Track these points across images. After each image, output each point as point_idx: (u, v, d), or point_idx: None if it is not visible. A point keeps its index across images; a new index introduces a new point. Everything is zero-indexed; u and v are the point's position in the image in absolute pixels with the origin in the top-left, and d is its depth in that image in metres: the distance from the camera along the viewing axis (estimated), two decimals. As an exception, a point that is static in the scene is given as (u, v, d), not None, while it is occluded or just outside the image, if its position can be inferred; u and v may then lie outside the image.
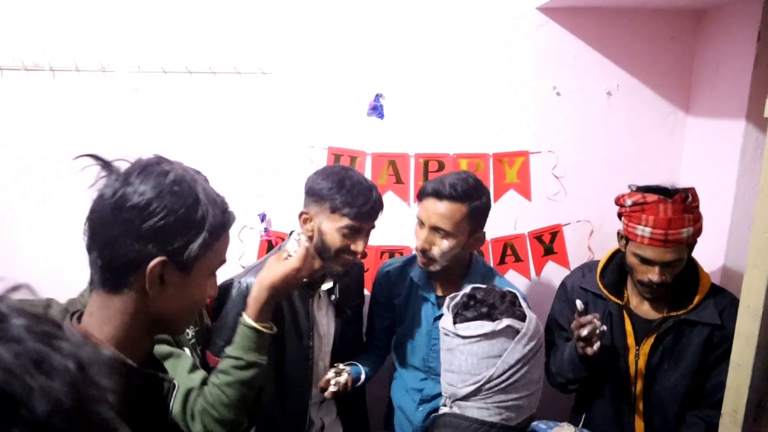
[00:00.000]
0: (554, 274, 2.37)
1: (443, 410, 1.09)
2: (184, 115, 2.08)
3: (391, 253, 2.23)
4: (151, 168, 0.84)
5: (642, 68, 2.24)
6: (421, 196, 1.69)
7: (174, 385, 0.84)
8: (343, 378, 1.63)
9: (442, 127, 2.18)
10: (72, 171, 1.81)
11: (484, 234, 1.74)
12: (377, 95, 2.14)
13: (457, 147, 2.19)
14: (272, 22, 2.05)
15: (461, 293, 1.11)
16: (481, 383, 1.00)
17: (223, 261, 0.94)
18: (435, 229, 1.62)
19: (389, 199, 2.21)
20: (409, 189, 2.20)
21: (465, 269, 1.78)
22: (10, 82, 1.99)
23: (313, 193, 1.57)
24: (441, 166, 2.18)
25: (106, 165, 0.82)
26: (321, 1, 2.06)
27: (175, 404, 1.21)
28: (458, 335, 1.04)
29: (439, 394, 1.77)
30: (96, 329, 0.82)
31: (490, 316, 1.03)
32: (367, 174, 2.18)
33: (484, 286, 1.13)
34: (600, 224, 2.32)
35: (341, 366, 1.67)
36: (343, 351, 1.79)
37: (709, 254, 2.09)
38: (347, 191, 1.51)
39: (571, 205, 2.30)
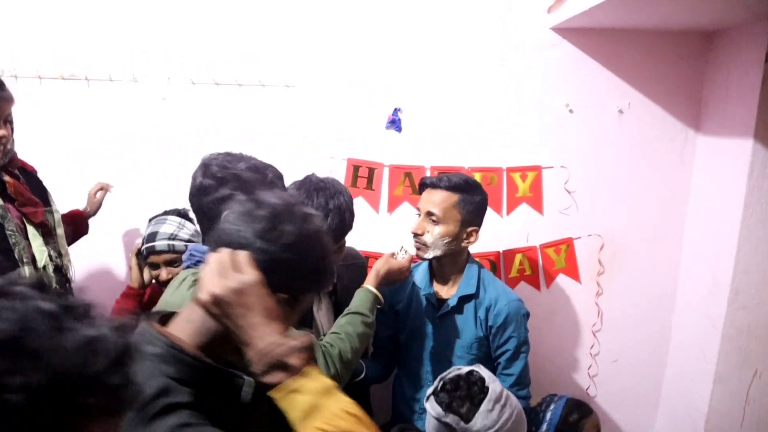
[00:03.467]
0: (565, 286, 2.42)
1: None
2: (210, 125, 2.17)
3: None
4: (297, 211, 0.91)
5: (653, 87, 2.30)
6: (420, 188, 1.85)
7: (245, 380, 0.90)
8: None
9: (457, 140, 2.26)
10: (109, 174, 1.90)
11: (476, 231, 1.83)
12: (396, 109, 2.22)
13: (471, 160, 2.27)
14: (296, 37, 2.15)
15: (455, 372, 1.46)
16: None
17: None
18: (428, 215, 1.76)
19: (405, 209, 2.29)
20: (424, 200, 2.27)
21: (462, 269, 1.88)
22: (49, 89, 2.10)
23: None
24: (456, 179, 2.26)
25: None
26: (343, 19, 2.16)
27: None
28: (427, 404, 1.42)
29: None
30: (180, 330, 0.90)
31: (447, 407, 1.38)
32: (384, 185, 2.26)
33: (475, 375, 1.45)
34: (610, 238, 2.37)
35: None
36: None
37: (719, 270, 2.13)
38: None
39: (582, 219, 2.36)
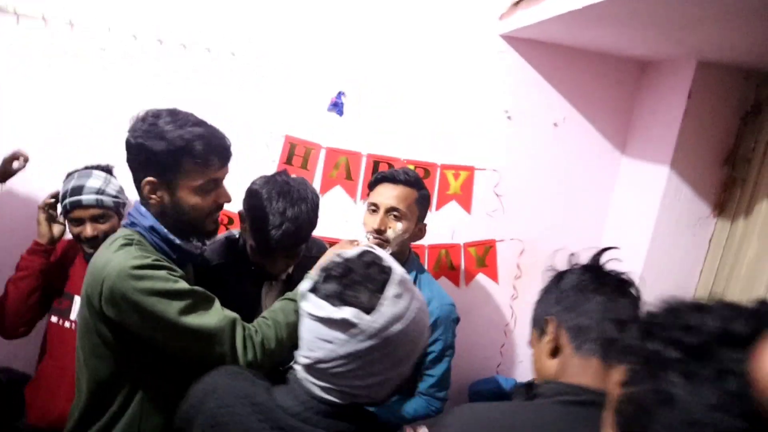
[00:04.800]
0: (483, 286, 2.51)
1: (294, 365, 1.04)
2: (151, 83, 2.11)
3: (333, 245, 2.32)
4: None
5: (588, 106, 2.41)
6: (374, 184, 1.81)
7: None
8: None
9: (396, 132, 2.29)
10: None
11: (425, 226, 1.86)
12: (339, 93, 2.23)
13: (408, 153, 2.31)
14: (247, 5, 2.11)
15: (336, 258, 1.02)
16: (311, 362, 0.96)
17: None
18: (390, 210, 1.74)
19: (337, 193, 2.30)
20: (357, 186, 2.30)
21: (401, 264, 1.86)
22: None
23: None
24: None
25: None
26: (298, -5, 2.14)
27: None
28: (303, 305, 0.99)
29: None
30: None
31: (339, 298, 0.94)
32: (319, 167, 2.26)
33: (370, 254, 1.03)
34: (531, 244, 2.48)
35: None
36: None
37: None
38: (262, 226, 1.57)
39: (507, 222, 2.45)
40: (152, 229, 1.34)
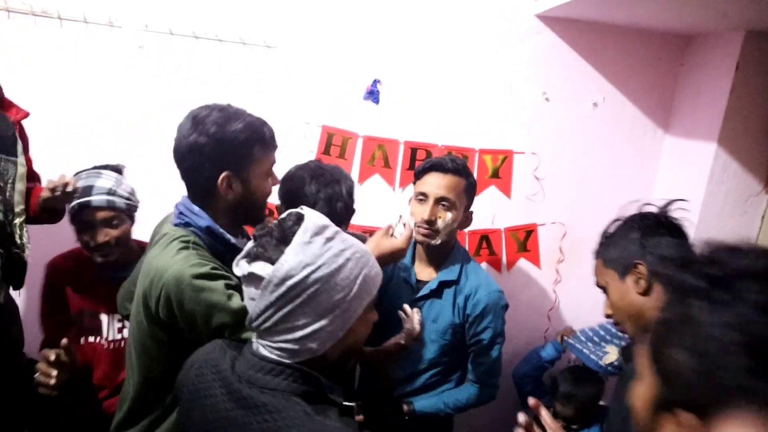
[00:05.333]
0: (525, 270, 2.48)
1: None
2: (187, 78, 2.12)
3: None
4: None
5: (628, 84, 2.35)
6: (421, 172, 1.77)
7: None
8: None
9: (433, 118, 2.27)
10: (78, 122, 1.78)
11: (472, 213, 1.82)
12: (375, 81, 2.22)
13: (445, 139, 2.29)
14: (282, -2, 2.12)
15: (267, 226, 1.02)
16: (250, 322, 0.99)
17: None
18: (439, 200, 1.71)
19: (376, 182, 2.30)
20: (395, 173, 2.29)
21: (447, 254, 1.84)
22: (18, 25, 2.01)
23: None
24: (428, 156, 2.27)
25: None
26: (331, -16, 2.13)
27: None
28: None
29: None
30: None
31: (250, 256, 0.98)
32: (357, 156, 2.26)
33: (294, 213, 1.01)
34: (573, 227, 2.44)
35: None
36: None
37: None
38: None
39: (547, 206, 2.41)
40: (209, 229, 1.31)
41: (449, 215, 1.71)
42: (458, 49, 2.23)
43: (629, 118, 2.39)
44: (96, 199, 1.69)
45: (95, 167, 1.79)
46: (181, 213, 1.35)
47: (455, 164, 1.72)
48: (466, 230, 2.34)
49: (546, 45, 2.27)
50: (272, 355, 0.97)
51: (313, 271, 0.93)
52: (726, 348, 0.59)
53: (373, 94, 2.23)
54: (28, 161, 1.78)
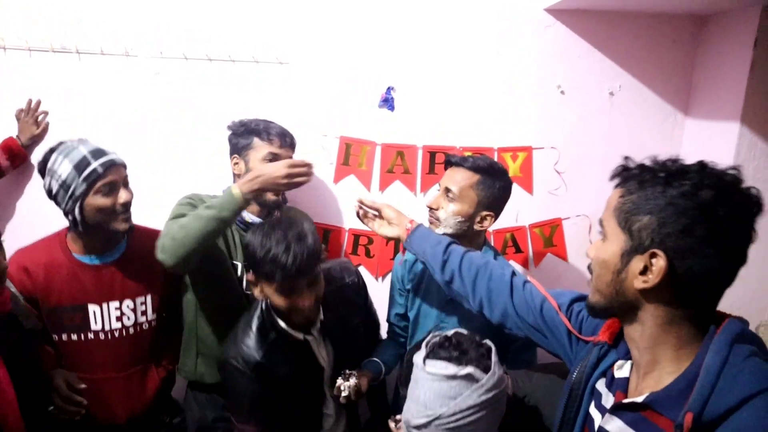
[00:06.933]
0: (553, 266, 2.46)
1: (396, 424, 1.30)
2: (204, 100, 2.16)
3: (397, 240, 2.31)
4: None
5: (644, 70, 2.32)
6: (446, 166, 1.83)
7: None
8: (352, 381, 1.65)
9: (449, 120, 2.27)
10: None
11: (492, 216, 1.78)
12: (389, 88, 2.23)
13: (463, 140, 2.28)
14: (290, 14, 2.14)
15: (442, 334, 1.23)
16: (432, 418, 1.11)
17: None
18: (446, 191, 1.75)
19: (397, 188, 2.30)
20: (416, 179, 2.29)
21: (477, 251, 1.83)
22: (39, 62, 2.07)
23: (248, 257, 1.55)
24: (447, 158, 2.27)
25: None
26: (338, -4, 2.15)
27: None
28: (425, 370, 1.16)
29: None
30: None
31: (458, 360, 1.14)
32: (377, 164, 2.27)
33: (466, 332, 1.24)
34: (598, 219, 2.40)
35: (347, 371, 1.69)
36: (343, 361, 1.76)
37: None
38: (271, 258, 1.47)
39: (571, 199, 2.39)
40: None
41: (451, 206, 1.74)
42: (469, 49, 2.23)
43: (648, 104, 2.36)
44: (117, 157, 1.64)
45: (60, 143, 1.66)
46: None
47: (473, 161, 1.74)
48: (491, 229, 2.33)
49: (557, 38, 2.25)
50: None
51: (502, 388, 1.17)
52: (678, 211, 0.87)
53: (387, 102, 2.24)
54: None
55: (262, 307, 1.64)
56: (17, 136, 2.06)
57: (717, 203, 0.86)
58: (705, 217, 0.86)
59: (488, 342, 1.22)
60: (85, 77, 2.10)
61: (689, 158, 2.27)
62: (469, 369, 1.12)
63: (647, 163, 0.96)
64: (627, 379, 1.02)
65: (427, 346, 1.20)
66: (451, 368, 1.12)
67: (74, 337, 1.72)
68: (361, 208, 1.72)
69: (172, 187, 2.04)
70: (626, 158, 1.00)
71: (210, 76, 2.15)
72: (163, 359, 1.90)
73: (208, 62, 2.14)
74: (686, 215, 0.87)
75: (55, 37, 2.06)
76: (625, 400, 0.96)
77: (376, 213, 1.72)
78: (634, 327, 0.97)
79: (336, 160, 2.25)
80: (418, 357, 1.19)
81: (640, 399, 0.93)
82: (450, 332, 1.22)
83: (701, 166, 0.92)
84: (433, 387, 1.13)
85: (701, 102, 2.30)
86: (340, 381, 1.65)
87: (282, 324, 1.60)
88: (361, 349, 1.87)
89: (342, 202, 2.31)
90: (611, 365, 1.06)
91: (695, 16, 2.26)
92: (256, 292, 1.58)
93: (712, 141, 2.23)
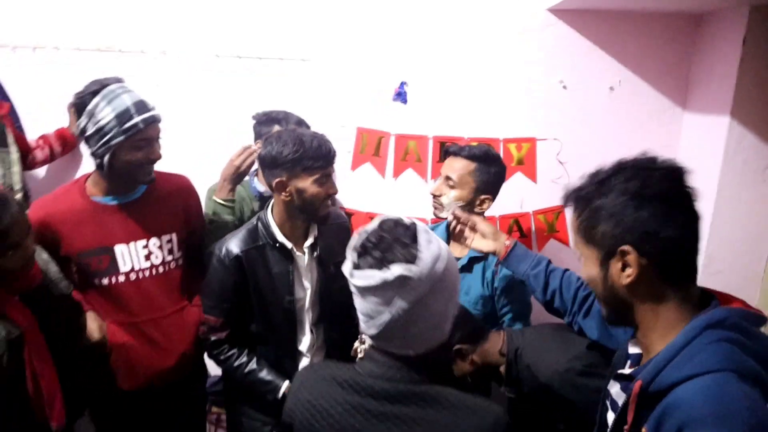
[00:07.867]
0: (556, 250, 2.62)
1: (366, 343, 1.21)
2: (234, 94, 2.38)
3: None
4: None
5: (643, 67, 2.46)
6: (444, 155, 2.02)
7: None
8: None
9: (458, 112, 2.45)
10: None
11: (489, 199, 1.97)
12: (402, 83, 2.41)
13: (470, 131, 2.46)
14: (312, 16, 2.35)
15: (363, 234, 1.08)
16: (380, 329, 1.05)
17: None
18: (447, 179, 1.94)
19: (409, 176, 2.49)
20: (427, 167, 2.48)
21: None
22: (86, 60, 2.31)
23: (280, 163, 1.62)
24: (456, 148, 2.46)
25: None
26: (357, 1, 2.34)
27: None
28: (354, 285, 1.06)
29: None
30: None
31: (381, 263, 1.02)
32: (390, 152, 2.46)
33: (388, 220, 1.09)
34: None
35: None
36: (329, 302, 1.86)
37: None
38: (311, 148, 1.61)
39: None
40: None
41: (452, 193, 1.93)
42: (477, 47, 2.40)
43: (647, 97, 2.49)
44: (158, 113, 1.66)
45: (107, 84, 1.64)
46: None
47: (469, 150, 1.92)
48: (497, 214, 2.51)
49: (559, 36, 2.41)
50: (406, 351, 1.06)
51: (442, 262, 1.04)
52: (621, 209, 0.98)
53: (401, 95, 2.43)
54: (19, 138, 2.18)
55: (260, 217, 1.75)
56: (69, 126, 2.30)
57: (645, 186, 0.98)
58: (641, 201, 0.97)
59: (412, 221, 1.09)
60: (126, 74, 2.32)
61: (687, 150, 2.39)
62: (395, 269, 0.99)
63: (581, 181, 1.12)
64: (640, 354, 1.10)
65: (351, 250, 1.08)
66: (377, 276, 1.01)
67: (105, 281, 1.72)
68: (457, 223, 1.78)
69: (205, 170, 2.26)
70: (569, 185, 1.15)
71: (239, 72, 2.37)
72: (193, 298, 1.89)
73: (237, 59, 2.36)
74: (628, 208, 0.97)
75: (100, 37, 2.30)
76: (620, 371, 1.08)
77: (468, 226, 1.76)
78: (641, 329, 1.04)
79: (353, 148, 2.45)
80: (346, 268, 1.07)
81: (627, 371, 1.05)
82: (370, 228, 1.08)
83: (619, 165, 1.05)
84: (368, 299, 1.04)
85: (698, 97, 2.44)
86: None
87: (278, 235, 1.71)
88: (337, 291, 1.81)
89: (359, 187, 2.51)
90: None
91: (690, 15, 2.40)
92: (285, 193, 1.64)
93: (706, 134, 2.36)
